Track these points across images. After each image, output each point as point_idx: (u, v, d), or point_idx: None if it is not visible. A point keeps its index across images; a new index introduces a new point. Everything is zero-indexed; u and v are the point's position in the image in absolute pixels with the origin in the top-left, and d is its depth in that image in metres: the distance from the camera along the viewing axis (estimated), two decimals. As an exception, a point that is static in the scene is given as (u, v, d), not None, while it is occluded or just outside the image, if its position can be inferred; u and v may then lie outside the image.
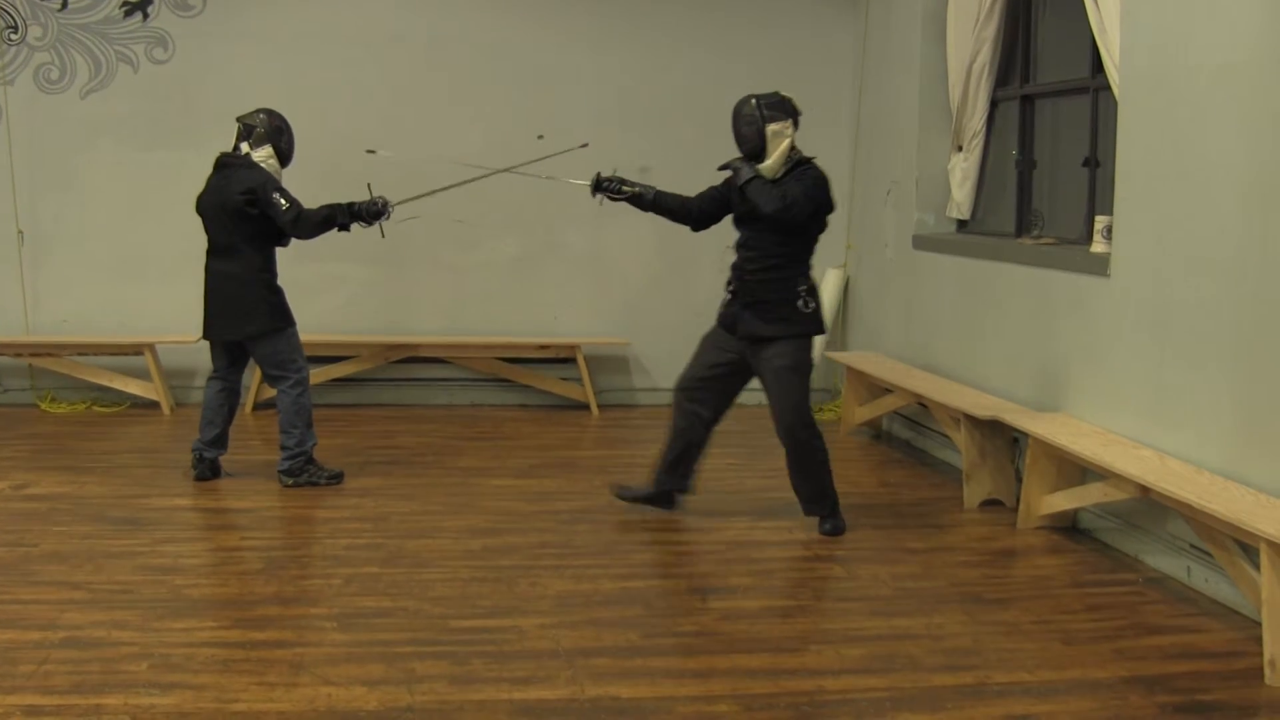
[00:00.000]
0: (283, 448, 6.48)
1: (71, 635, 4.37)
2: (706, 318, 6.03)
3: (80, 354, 8.43)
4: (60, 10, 8.37)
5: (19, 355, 8.43)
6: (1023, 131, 7.32)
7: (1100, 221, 6.06)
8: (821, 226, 5.74)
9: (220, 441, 6.56)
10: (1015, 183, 7.39)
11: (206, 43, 8.46)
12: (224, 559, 5.43)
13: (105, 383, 8.43)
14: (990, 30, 7.36)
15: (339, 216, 6.33)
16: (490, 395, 8.94)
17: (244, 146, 6.37)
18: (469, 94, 8.68)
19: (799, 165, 5.68)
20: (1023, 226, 7.29)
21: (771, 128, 5.64)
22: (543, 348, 8.74)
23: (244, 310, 6.35)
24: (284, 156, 6.43)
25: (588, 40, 8.83)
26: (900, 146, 8.23)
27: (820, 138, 8.95)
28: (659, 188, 5.94)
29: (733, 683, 4.12)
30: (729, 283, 5.83)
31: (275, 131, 6.39)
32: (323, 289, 8.54)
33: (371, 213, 6.34)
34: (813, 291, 5.73)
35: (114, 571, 5.09)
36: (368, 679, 4.06)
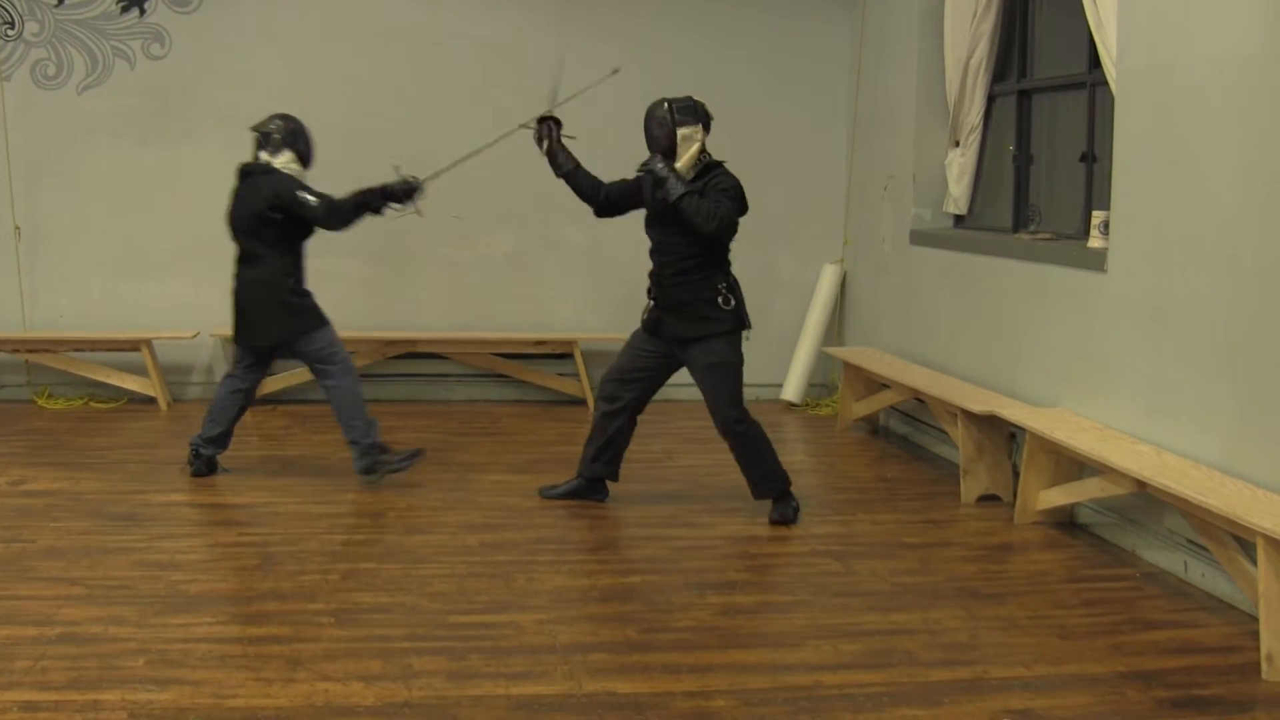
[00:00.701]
0: (352, 444, 6.38)
1: (68, 631, 4.36)
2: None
3: (77, 350, 8.41)
4: (57, 6, 8.35)
5: (16, 351, 8.41)
6: (1020, 127, 7.32)
7: (1097, 216, 6.07)
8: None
9: (221, 441, 6.54)
10: (1012, 178, 7.39)
11: (203, 38, 8.44)
12: (221, 555, 5.43)
13: (102, 378, 8.42)
14: (987, 25, 7.36)
15: (373, 200, 6.21)
16: (487, 391, 8.93)
17: (263, 155, 6.33)
18: (467, 89, 8.66)
19: (709, 169, 5.74)
20: (1020, 222, 7.30)
21: (682, 131, 5.73)
22: (539, 343, 8.74)
23: (271, 315, 6.30)
24: (304, 158, 6.38)
25: (587, 37, 8.81)
26: (897, 141, 8.23)
27: (817, 133, 9.05)
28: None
29: (730, 678, 4.13)
30: (649, 290, 5.91)
31: (292, 135, 6.34)
32: (320, 285, 8.38)
33: (405, 192, 6.21)
34: (733, 289, 5.81)
35: (111, 567, 5.08)
36: (365, 674, 4.06)
